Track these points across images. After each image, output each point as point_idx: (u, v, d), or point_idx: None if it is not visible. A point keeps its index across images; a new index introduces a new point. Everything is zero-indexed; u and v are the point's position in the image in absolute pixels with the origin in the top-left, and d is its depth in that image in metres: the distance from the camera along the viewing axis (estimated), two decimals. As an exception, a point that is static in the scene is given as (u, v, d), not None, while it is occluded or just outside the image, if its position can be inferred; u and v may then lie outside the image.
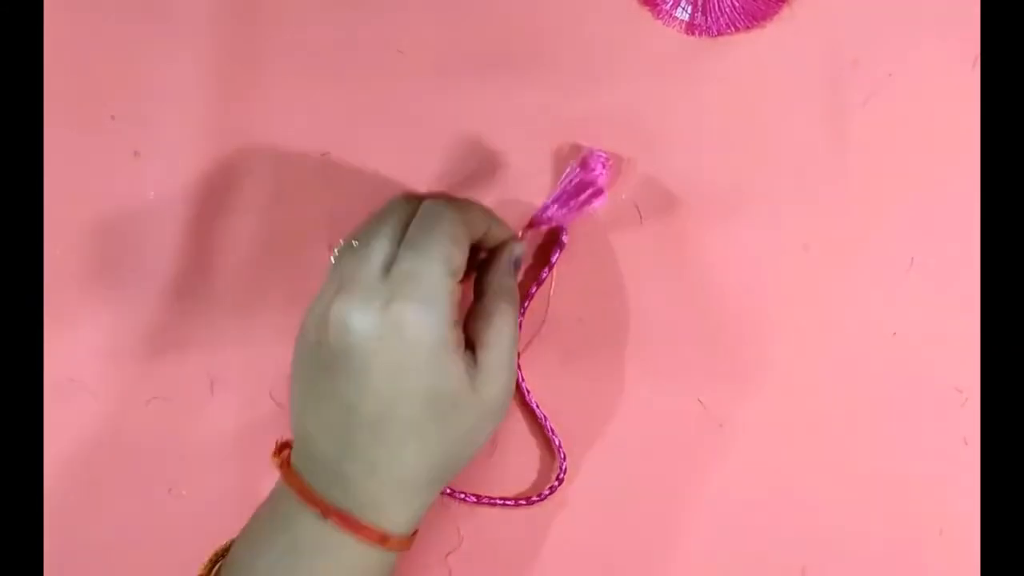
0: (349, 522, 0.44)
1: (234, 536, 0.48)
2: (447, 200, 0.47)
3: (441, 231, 0.44)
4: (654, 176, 0.54)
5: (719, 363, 0.54)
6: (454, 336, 0.44)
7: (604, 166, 0.52)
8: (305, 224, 0.55)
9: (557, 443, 0.54)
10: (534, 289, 0.53)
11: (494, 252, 0.50)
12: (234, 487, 0.55)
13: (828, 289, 0.54)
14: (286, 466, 0.47)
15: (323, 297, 0.45)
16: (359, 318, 0.43)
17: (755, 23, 0.54)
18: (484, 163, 0.55)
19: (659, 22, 0.55)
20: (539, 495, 0.54)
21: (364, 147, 0.55)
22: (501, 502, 0.54)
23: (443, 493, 0.53)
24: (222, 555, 0.48)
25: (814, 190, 0.54)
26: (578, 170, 0.52)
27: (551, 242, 0.54)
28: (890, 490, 0.54)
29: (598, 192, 0.52)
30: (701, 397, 0.54)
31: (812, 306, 0.54)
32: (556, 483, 0.54)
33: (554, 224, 0.53)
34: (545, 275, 0.53)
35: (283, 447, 0.48)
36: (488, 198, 0.54)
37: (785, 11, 0.54)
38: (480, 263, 0.50)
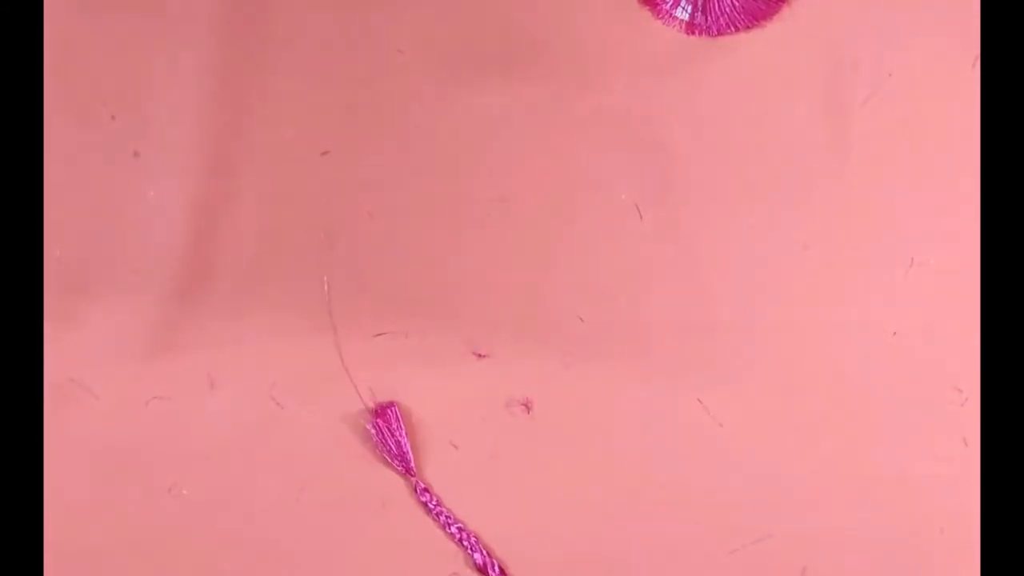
0: None
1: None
2: None
3: None
4: (654, 176, 0.54)
5: (719, 363, 0.54)
6: None
7: None
8: (305, 224, 0.55)
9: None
10: None
11: None
12: (234, 487, 0.55)
13: (828, 289, 0.54)
14: None
15: None
16: None
17: (755, 23, 0.54)
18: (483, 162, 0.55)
19: (659, 22, 0.55)
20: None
21: (364, 147, 0.55)
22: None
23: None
24: None
25: (814, 190, 0.54)
26: None
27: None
28: (890, 490, 0.54)
29: None
30: (701, 397, 0.54)
31: (812, 306, 0.54)
32: None
33: None
34: None
35: None
36: (487, 198, 0.54)
37: (785, 11, 0.54)
38: None
